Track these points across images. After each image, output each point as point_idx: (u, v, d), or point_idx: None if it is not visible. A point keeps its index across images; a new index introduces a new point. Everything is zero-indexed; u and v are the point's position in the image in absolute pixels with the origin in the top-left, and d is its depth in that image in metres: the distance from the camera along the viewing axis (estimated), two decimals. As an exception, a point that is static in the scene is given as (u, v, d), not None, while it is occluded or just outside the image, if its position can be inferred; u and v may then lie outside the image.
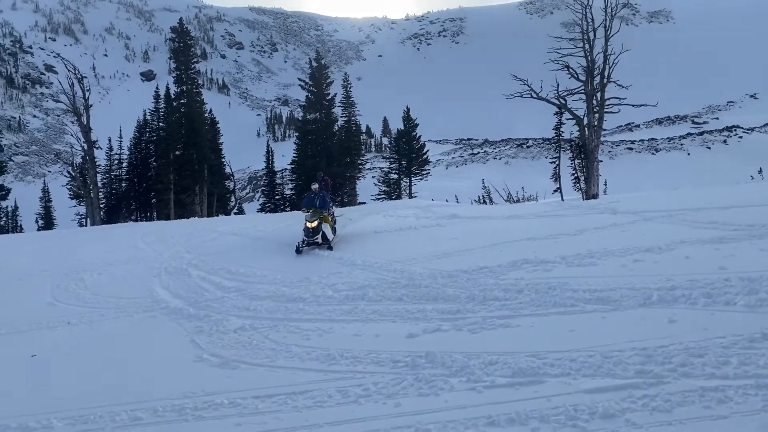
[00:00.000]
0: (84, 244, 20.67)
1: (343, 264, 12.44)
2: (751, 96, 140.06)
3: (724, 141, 76.40)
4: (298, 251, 13.98)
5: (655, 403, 4.61)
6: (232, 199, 48.40)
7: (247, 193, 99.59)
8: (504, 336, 6.69)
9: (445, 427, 4.58)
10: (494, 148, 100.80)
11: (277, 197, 45.57)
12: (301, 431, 4.94)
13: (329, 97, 41.81)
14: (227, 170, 45.63)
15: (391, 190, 44.49)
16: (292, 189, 43.84)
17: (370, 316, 8.45)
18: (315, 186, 15.36)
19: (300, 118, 46.36)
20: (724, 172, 46.51)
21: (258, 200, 53.64)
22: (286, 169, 48.06)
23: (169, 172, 40.19)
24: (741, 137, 76.85)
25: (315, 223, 14.28)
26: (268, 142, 61.27)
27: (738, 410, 4.38)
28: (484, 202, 44.39)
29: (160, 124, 42.70)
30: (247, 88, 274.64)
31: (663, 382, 4.97)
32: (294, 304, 9.63)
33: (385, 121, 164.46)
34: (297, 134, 45.03)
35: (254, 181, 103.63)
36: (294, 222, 21.30)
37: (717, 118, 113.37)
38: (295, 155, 42.40)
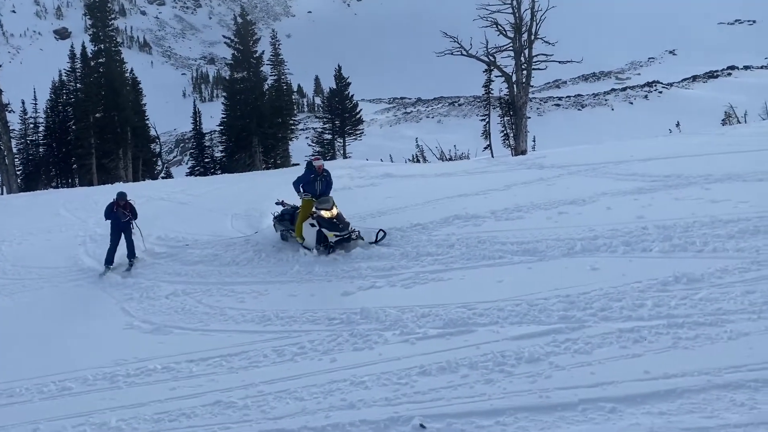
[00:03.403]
0: (0, 213, 19.59)
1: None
2: (670, 52, 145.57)
3: (645, 96, 79.44)
4: (330, 250, 9.63)
5: (576, 346, 4.88)
6: (159, 162, 46.77)
7: (174, 157, 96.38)
8: (436, 289, 6.86)
9: (379, 379, 4.71)
10: (427, 107, 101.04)
11: (206, 160, 44.29)
12: (237, 391, 4.96)
13: (257, 55, 40.58)
14: (152, 133, 43.90)
15: (325, 151, 44.06)
16: (222, 151, 42.72)
17: (305, 276, 8.47)
18: (320, 163, 10.82)
19: (227, 78, 44.85)
20: (645, 126, 48.49)
21: (187, 164, 52.13)
22: (214, 130, 46.73)
23: (89, 135, 38.30)
24: (661, 92, 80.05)
25: (336, 210, 10.16)
26: (194, 102, 59.17)
27: (651, 348, 4.69)
28: (418, 161, 44.69)
29: (78, 85, 40.39)
30: (170, 47, 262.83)
31: (584, 326, 5.25)
32: (227, 267, 9.53)
33: (317, 79, 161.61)
34: (225, 94, 43.66)
35: (182, 144, 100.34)
36: (225, 185, 20.86)
37: (639, 74, 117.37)
38: (223, 116, 41.19)
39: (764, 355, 4.24)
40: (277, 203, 11.53)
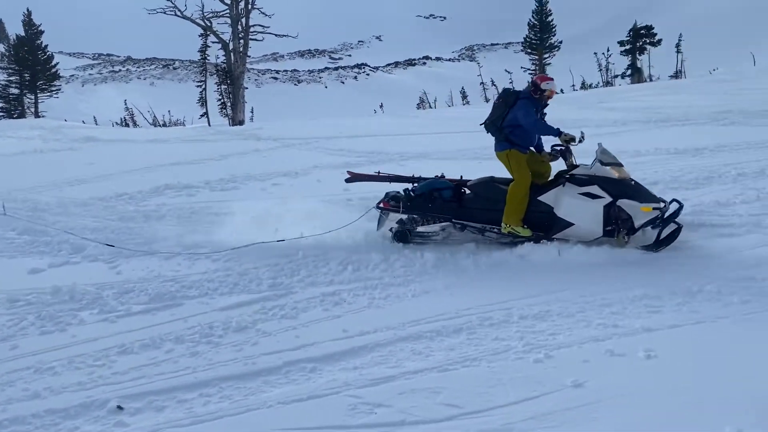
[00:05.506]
0: None
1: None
2: (377, 38, 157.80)
3: (355, 77, 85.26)
4: (659, 243, 5.97)
5: (283, 311, 5.09)
6: None
7: None
8: (142, 264, 6.46)
9: (72, 363, 4.29)
10: (138, 67, 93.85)
11: None
12: None
13: None
14: None
15: (12, 108, 38.03)
16: None
17: (-21, 252, 7.24)
18: (554, 84, 6.41)
19: None
20: (355, 105, 52.04)
21: None
22: None
23: None
24: (368, 75, 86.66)
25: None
26: None
27: (350, 309, 5.13)
28: (127, 125, 41.52)
29: None
30: None
31: (291, 293, 5.50)
32: None
33: (0, 23, 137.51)
34: None
35: None
36: None
37: (350, 56, 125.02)
38: None
39: (440, 309, 4.95)
40: (350, 179, 7.34)
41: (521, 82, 43.14)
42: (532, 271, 5.77)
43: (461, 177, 6.84)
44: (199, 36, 32.18)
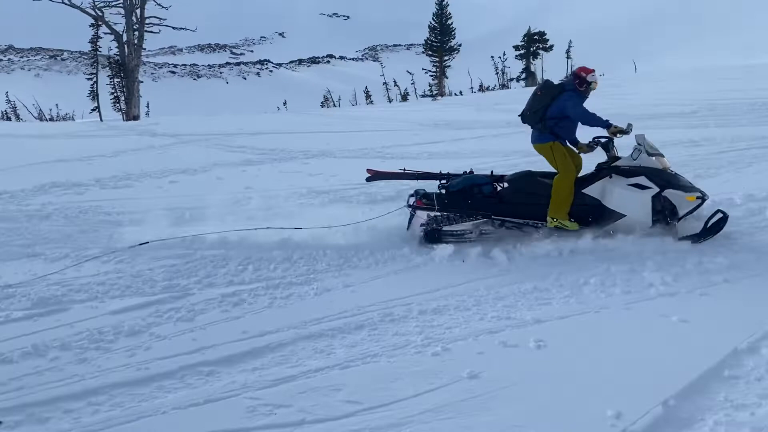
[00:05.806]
0: None
1: None
2: (280, 34, 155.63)
3: (258, 73, 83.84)
4: (707, 232, 5.95)
5: (179, 314, 4.92)
6: None
7: None
8: (23, 267, 6.04)
9: (-58, 376, 3.94)
10: (21, 57, 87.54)
11: None
12: None
13: None
14: None
15: None
16: None
17: None
18: (596, 78, 6.41)
19: None
20: (257, 102, 51.07)
21: None
22: None
23: None
24: (272, 71, 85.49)
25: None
26: None
27: (250, 309, 5.03)
28: (9, 119, 38.65)
29: None
30: None
31: (189, 294, 5.32)
32: None
33: None
34: None
35: None
36: None
37: (252, 51, 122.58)
38: None
39: (342, 306, 4.97)
40: (371, 178, 6.85)
41: (423, 83, 43.99)
42: (432, 267, 5.91)
43: (491, 172, 6.68)
44: (90, 26, 30.36)
